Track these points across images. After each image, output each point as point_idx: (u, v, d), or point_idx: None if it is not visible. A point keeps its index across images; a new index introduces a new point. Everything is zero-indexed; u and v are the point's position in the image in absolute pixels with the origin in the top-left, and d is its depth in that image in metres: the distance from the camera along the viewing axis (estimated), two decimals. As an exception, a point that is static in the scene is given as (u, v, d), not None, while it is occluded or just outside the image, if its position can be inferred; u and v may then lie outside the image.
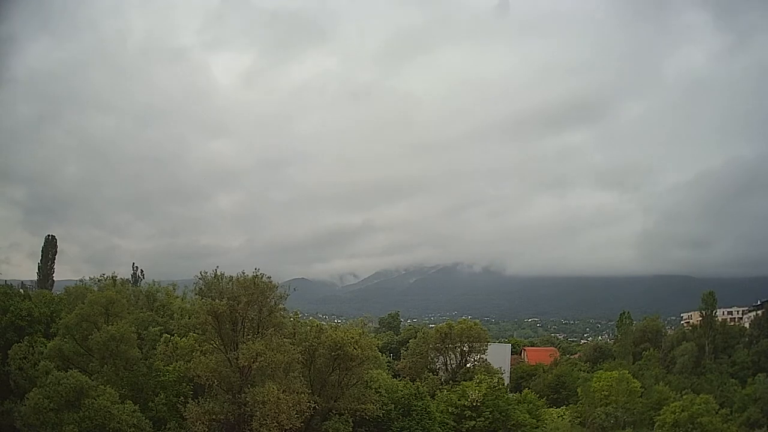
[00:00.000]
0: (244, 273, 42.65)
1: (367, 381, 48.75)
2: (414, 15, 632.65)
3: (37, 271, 79.02)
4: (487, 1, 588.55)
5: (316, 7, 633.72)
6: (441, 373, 67.37)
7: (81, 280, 53.35)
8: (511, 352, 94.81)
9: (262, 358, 39.39)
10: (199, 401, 40.67)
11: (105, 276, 54.06)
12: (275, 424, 38.40)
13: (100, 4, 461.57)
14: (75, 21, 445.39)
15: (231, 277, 42.90)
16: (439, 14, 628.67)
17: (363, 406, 46.08)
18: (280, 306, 44.13)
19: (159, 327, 49.98)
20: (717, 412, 50.78)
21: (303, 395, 40.57)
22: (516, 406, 56.85)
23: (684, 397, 52.67)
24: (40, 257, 79.58)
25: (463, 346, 67.29)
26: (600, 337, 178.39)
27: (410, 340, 75.32)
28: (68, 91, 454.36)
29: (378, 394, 48.49)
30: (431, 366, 68.00)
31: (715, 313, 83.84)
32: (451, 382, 62.66)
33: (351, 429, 45.47)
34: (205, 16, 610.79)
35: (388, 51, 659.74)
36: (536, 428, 55.17)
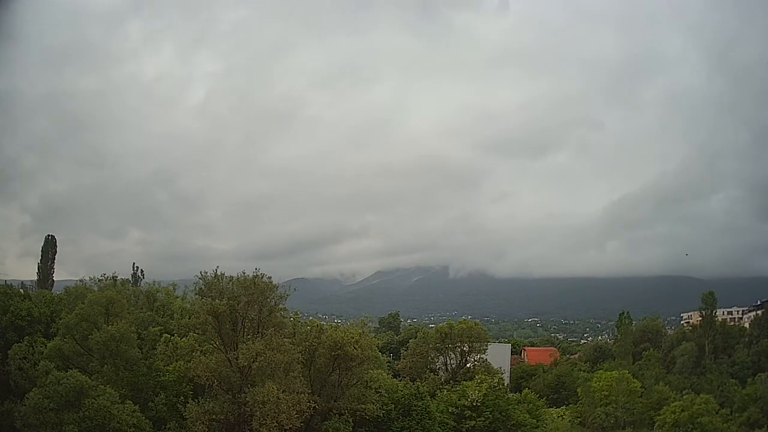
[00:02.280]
0: (244, 273, 42.74)
1: (367, 381, 48.76)
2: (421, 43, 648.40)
3: (37, 271, 79.01)
4: (491, 41, 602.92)
5: (304, 32, 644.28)
6: (441, 373, 67.27)
7: (81, 280, 53.41)
8: (511, 352, 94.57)
9: (262, 358, 39.44)
10: (199, 401, 40.72)
11: (105, 276, 54.13)
12: (275, 424, 38.45)
13: (128, 38, 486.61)
14: (103, 52, 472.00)
15: (231, 277, 42.94)
16: (449, 45, 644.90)
17: (363, 406, 46.10)
18: (280, 306, 44.22)
19: (159, 327, 50.01)
20: (717, 412, 50.81)
21: (303, 395, 40.62)
22: (516, 406, 56.82)
23: (684, 397, 52.68)
24: (40, 257, 79.57)
25: (463, 346, 67.13)
26: (600, 337, 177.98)
27: (410, 340, 75.22)
28: (89, 112, 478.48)
29: (378, 394, 48.48)
30: (431, 366, 67.89)
31: (715, 313, 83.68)
32: (451, 382, 62.59)
33: (351, 429, 45.49)
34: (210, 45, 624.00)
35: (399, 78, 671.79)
36: (536, 428, 55.13)
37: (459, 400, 54.06)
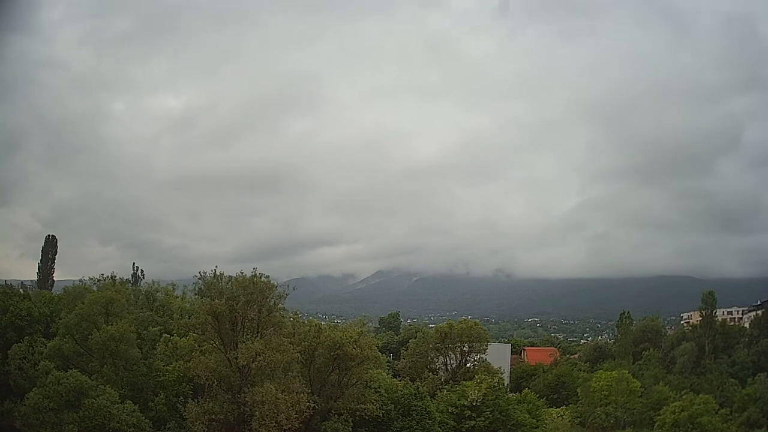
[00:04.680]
0: (242, 273, 42.75)
1: (366, 381, 48.66)
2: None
3: (37, 271, 79.01)
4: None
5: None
6: (441, 373, 67.28)
7: (81, 280, 53.29)
8: (511, 352, 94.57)
9: (262, 358, 39.41)
10: (198, 401, 40.72)
11: (104, 276, 53.96)
12: (274, 423, 38.45)
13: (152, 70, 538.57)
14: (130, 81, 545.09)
15: (230, 277, 42.94)
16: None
17: (363, 406, 46.00)
18: (280, 306, 44.21)
19: (159, 327, 49.94)
20: (717, 412, 50.87)
21: (302, 395, 40.58)
22: (516, 406, 56.78)
23: (684, 397, 52.70)
24: (40, 257, 79.59)
25: (463, 346, 67.10)
26: (600, 337, 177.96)
27: (410, 340, 75.15)
28: (109, 131, 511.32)
29: (378, 394, 48.38)
30: (431, 366, 67.88)
31: (715, 313, 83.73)
32: (451, 382, 62.59)
33: (350, 429, 45.43)
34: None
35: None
36: (536, 428, 55.12)
37: (459, 400, 54.02)
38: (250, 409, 39.20)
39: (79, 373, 39.77)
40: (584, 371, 75.72)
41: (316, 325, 48.99)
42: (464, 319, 77.18)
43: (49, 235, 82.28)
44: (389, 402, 49.24)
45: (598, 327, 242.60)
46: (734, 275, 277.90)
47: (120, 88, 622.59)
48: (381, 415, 47.60)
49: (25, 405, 38.86)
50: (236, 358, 40.22)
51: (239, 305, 41.21)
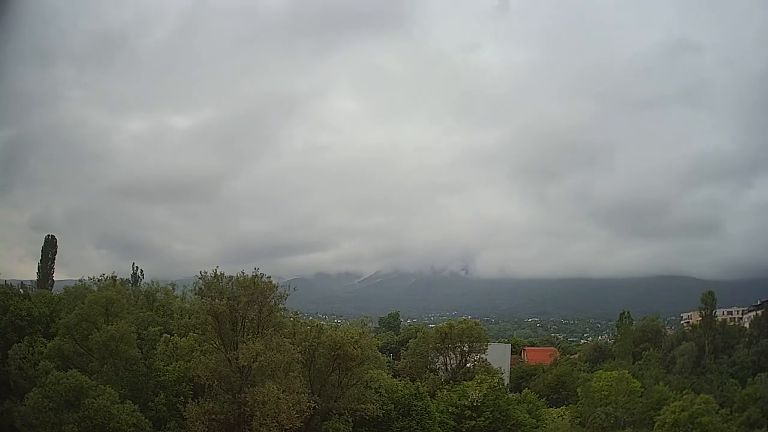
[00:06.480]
0: (243, 273, 42.75)
1: (367, 381, 48.72)
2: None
3: (37, 271, 78.96)
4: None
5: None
6: (441, 373, 67.29)
7: (81, 280, 53.27)
8: (511, 352, 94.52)
9: (262, 358, 39.45)
10: (199, 401, 40.76)
11: (105, 276, 53.89)
12: (275, 423, 38.51)
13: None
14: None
15: (231, 277, 42.95)
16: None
17: (363, 406, 46.09)
18: (280, 306, 44.24)
19: (159, 327, 49.93)
20: (717, 412, 50.77)
21: (303, 395, 40.66)
22: (516, 406, 56.82)
23: (684, 397, 52.59)
24: (40, 257, 79.54)
25: (463, 346, 67.12)
26: (600, 337, 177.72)
27: (410, 340, 75.15)
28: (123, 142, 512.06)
29: (378, 394, 48.47)
30: (431, 366, 67.90)
31: (715, 313, 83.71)
32: (451, 382, 62.61)
33: (351, 429, 45.51)
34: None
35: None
36: (536, 428, 55.16)
37: (459, 400, 54.06)
38: (251, 409, 39.21)
39: (79, 373, 39.77)
40: (584, 371, 75.61)
41: (317, 325, 49.05)
42: (464, 319, 76.99)
43: (48, 235, 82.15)
44: (389, 402, 49.30)
45: (598, 327, 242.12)
46: (734, 276, 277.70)
47: (123, 100, 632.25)
48: (381, 415, 47.69)
49: (25, 405, 38.86)
50: (237, 359, 40.22)
51: (240, 305, 41.24)
